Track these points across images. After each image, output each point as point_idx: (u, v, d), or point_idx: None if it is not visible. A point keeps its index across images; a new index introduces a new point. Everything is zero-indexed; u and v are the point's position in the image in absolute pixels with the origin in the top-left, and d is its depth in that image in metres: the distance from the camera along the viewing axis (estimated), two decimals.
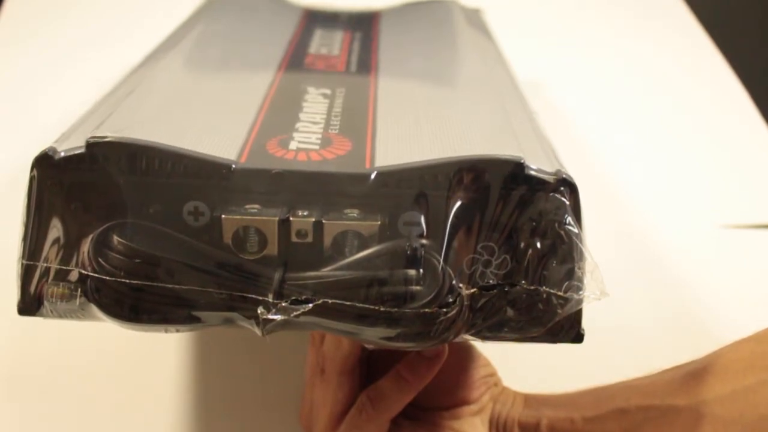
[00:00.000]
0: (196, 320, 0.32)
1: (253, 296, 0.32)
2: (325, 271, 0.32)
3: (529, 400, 0.44)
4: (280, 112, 0.40)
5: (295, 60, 0.49)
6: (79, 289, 0.32)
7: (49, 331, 0.49)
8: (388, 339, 0.32)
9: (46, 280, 0.33)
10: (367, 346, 0.43)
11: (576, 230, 0.32)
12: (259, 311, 0.31)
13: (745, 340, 0.40)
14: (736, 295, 0.60)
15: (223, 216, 0.32)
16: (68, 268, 0.33)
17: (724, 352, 0.40)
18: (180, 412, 0.51)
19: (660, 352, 0.55)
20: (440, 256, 0.32)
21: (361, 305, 0.31)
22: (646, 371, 0.42)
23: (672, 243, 0.64)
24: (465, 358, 0.45)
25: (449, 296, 0.31)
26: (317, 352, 0.44)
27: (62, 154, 0.33)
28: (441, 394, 0.44)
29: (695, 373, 0.39)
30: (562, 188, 0.33)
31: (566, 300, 0.32)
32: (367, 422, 0.41)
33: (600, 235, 0.36)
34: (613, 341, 0.53)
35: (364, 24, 0.60)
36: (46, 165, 0.33)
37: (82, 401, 0.51)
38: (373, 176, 0.33)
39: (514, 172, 0.32)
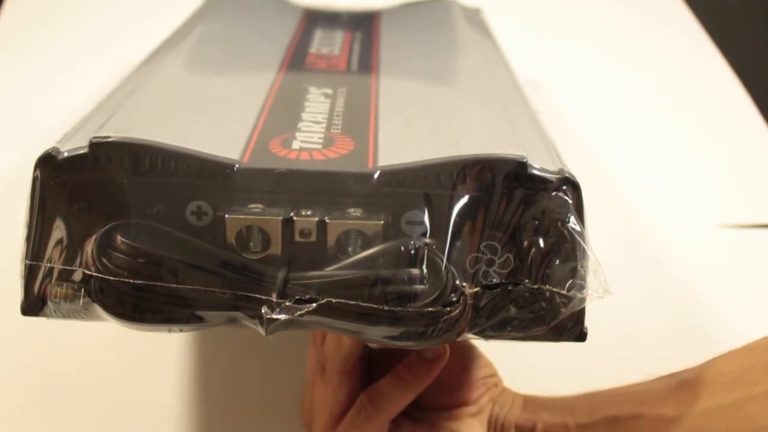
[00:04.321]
0: (200, 320, 0.32)
1: (257, 296, 0.31)
2: (329, 270, 0.32)
3: (528, 402, 0.44)
4: (282, 112, 0.40)
5: (296, 60, 0.49)
6: (83, 289, 0.32)
7: (52, 331, 0.49)
8: (392, 338, 0.32)
9: (50, 281, 0.33)
10: (371, 345, 0.43)
11: (579, 229, 0.32)
12: (263, 311, 0.31)
13: (737, 351, 0.41)
14: (735, 294, 0.60)
15: (226, 216, 0.32)
16: (72, 268, 0.33)
17: (715, 363, 0.40)
18: (182, 411, 0.51)
19: (659, 350, 0.55)
20: (443, 255, 0.32)
21: (364, 304, 0.31)
22: (644, 371, 0.43)
23: (672, 242, 0.64)
24: (466, 358, 0.45)
25: (453, 295, 0.31)
26: (318, 352, 0.44)
27: (65, 154, 0.33)
28: (441, 394, 0.44)
29: (686, 383, 0.40)
30: (564, 187, 0.33)
31: (569, 298, 0.32)
32: (366, 422, 0.41)
33: (599, 235, 0.36)
34: (612, 340, 0.53)
35: (364, 24, 0.60)
36: (49, 165, 0.33)
37: (84, 402, 0.51)
38: (376, 175, 0.33)
39: (517, 171, 0.32)
